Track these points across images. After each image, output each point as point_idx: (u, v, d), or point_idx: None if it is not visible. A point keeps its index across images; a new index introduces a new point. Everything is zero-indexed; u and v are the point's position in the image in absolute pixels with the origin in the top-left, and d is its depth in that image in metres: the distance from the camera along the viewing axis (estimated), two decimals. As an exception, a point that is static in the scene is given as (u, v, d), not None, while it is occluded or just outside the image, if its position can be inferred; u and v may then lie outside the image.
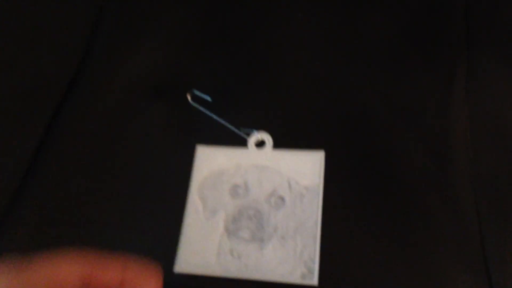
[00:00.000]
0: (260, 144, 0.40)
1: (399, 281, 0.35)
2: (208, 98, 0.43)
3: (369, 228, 0.36)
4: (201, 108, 0.42)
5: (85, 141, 0.42)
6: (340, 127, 0.41)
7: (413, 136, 0.40)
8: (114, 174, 0.41)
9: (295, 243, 0.36)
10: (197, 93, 0.43)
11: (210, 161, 0.40)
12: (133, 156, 0.41)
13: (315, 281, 0.35)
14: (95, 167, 0.42)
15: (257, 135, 0.40)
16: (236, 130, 0.41)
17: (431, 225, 0.37)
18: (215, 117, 0.41)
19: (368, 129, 0.41)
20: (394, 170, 0.39)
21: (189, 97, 0.42)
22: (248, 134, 0.40)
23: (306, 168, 0.38)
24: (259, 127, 0.40)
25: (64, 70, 0.46)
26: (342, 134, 0.41)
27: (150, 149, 0.41)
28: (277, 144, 0.40)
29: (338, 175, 0.38)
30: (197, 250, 0.36)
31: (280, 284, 0.35)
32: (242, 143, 0.40)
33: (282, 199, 0.37)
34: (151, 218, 0.38)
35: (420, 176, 0.38)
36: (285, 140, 0.40)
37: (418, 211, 0.37)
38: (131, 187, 0.40)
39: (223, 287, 0.36)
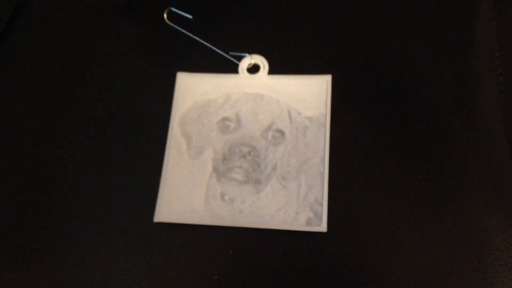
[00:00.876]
0: (254, 69, 0.35)
1: (421, 225, 0.30)
2: (189, 16, 0.37)
3: (385, 164, 0.32)
4: (181, 29, 0.36)
5: (40, 67, 0.37)
6: (349, 47, 0.36)
7: (434, 55, 0.35)
8: (77, 107, 0.36)
9: (299, 184, 0.31)
10: (176, 10, 0.37)
11: (193, 91, 0.34)
12: (100, 87, 0.36)
13: (323, 226, 0.30)
14: (53, 99, 0.36)
15: (249, 59, 0.35)
16: (223, 54, 0.35)
17: (456, 158, 0.32)
18: (197, 39, 0.36)
19: (382, 49, 0.35)
20: (413, 96, 0.34)
21: (165, 16, 0.37)
22: (239, 59, 0.35)
23: (310, 95, 0.34)
24: (252, 51, 0.35)
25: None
26: (351, 55, 0.35)
27: (120, 78, 0.36)
28: (274, 70, 0.35)
29: (348, 103, 0.34)
30: (181, 196, 0.32)
31: (282, 232, 0.30)
32: (232, 69, 0.35)
33: (281, 132, 0.33)
34: (125, 159, 0.34)
35: (442, 102, 0.33)
36: (283, 65, 0.35)
37: (441, 143, 0.32)
38: (99, 123, 0.35)
39: (214, 238, 0.31)
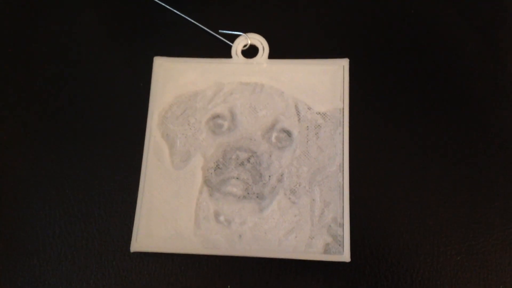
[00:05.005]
0: (251, 52, 0.31)
1: (467, 248, 0.26)
2: (169, -15, 0.32)
3: (420, 171, 0.28)
4: (158, 1, 0.32)
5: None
6: (369, 23, 0.32)
7: (467, 28, 0.31)
8: (30, 104, 0.30)
9: (312, 199, 0.27)
10: (151, -22, 0.32)
11: (175, 80, 0.30)
12: (56, 77, 0.31)
13: (345, 255, 0.26)
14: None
15: (245, 39, 0.31)
16: (212, 32, 0.31)
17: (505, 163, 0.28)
18: (179, 13, 0.32)
19: (410, 25, 0.31)
20: (450, 83, 0.30)
21: (138, -15, 0.32)
22: (232, 39, 0.31)
23: (322, 85, 0.29)
24: (248, 29, 0.31)
25: None
26: (373, 34, 0.31)
27: (82, 65, 0.31)
28: (276, 53, 0.31)
29: (371, 94, 0.30)
30: (164, 217, 0.27)
31: (292, 262, 0.26)
32: (223, 52, 0.31)
33: (287, 133, 0.29)
34: (92, 171, 0.29)
35: (484, 85, 0.30)
36: (287, 47, 0.31)
37: (488, 141, 0.28)
38: (56, 125, 0.30)
39: (207, 270, 0.26)
